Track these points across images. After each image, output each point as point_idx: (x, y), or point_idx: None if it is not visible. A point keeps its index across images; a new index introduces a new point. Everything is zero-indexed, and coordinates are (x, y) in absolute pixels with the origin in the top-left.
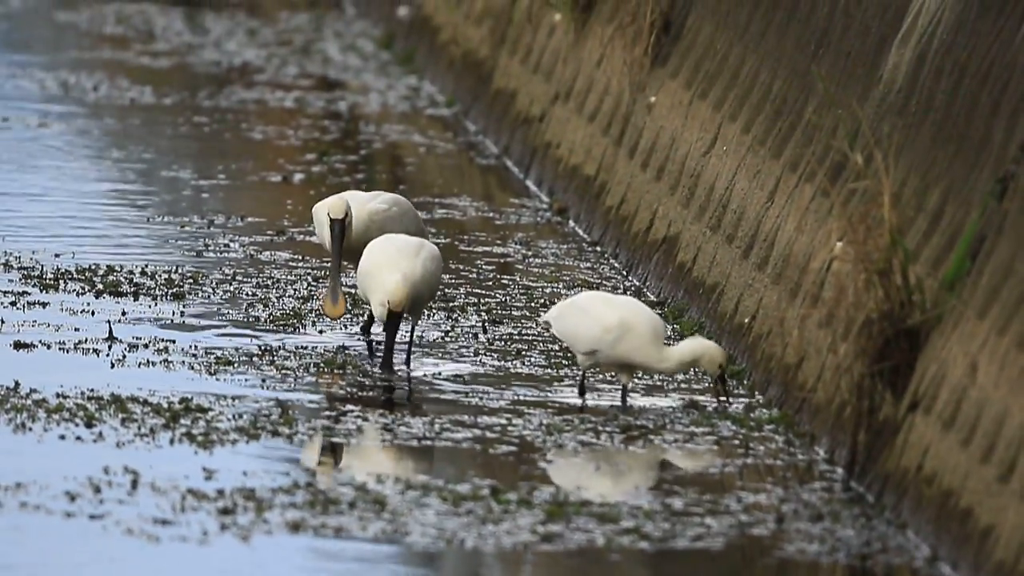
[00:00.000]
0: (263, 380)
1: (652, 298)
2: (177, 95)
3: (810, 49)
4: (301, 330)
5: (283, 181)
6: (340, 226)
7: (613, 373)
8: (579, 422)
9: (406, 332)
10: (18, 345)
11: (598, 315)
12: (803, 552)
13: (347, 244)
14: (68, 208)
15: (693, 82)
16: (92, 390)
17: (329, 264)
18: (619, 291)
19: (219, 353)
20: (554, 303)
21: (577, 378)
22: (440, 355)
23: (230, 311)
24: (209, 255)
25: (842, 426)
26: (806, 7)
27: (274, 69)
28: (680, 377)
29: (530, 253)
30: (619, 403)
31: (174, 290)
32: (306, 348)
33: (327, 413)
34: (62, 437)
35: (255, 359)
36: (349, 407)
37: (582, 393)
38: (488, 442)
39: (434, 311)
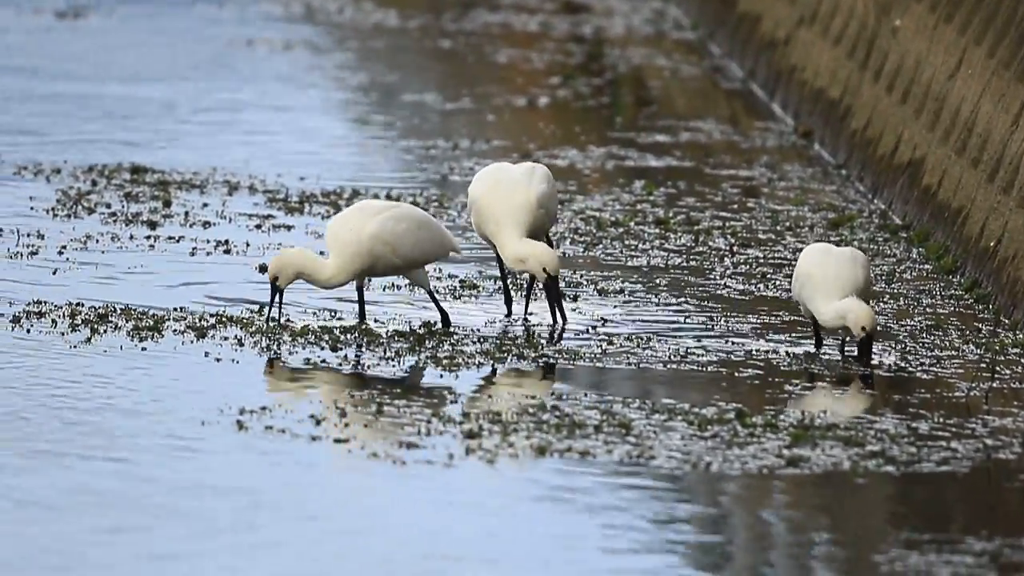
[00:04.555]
0: (508, 303)
1: (898, 221)
2: (421, 18)
3: None
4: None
5: (528, 105)
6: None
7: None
8: (824, 346)
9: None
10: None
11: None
12: None
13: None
14: (312, 131)
15: (938, 5)
16: (336, 313)
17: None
18: (864, 215)
19: (463, 276)
20: (799, 227)
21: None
22: (684, 280)
23: (474, 234)
24: (454, 178)
25: None
26: None
27: None
28: (922, 303)
29: (775, 176)
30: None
31: None
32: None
33: (572, 336)
34: (307, 360)
35: (500, 283)
36: (595, 330)
37: (819, 345)
38: (733, 365)
39: (679, 235)
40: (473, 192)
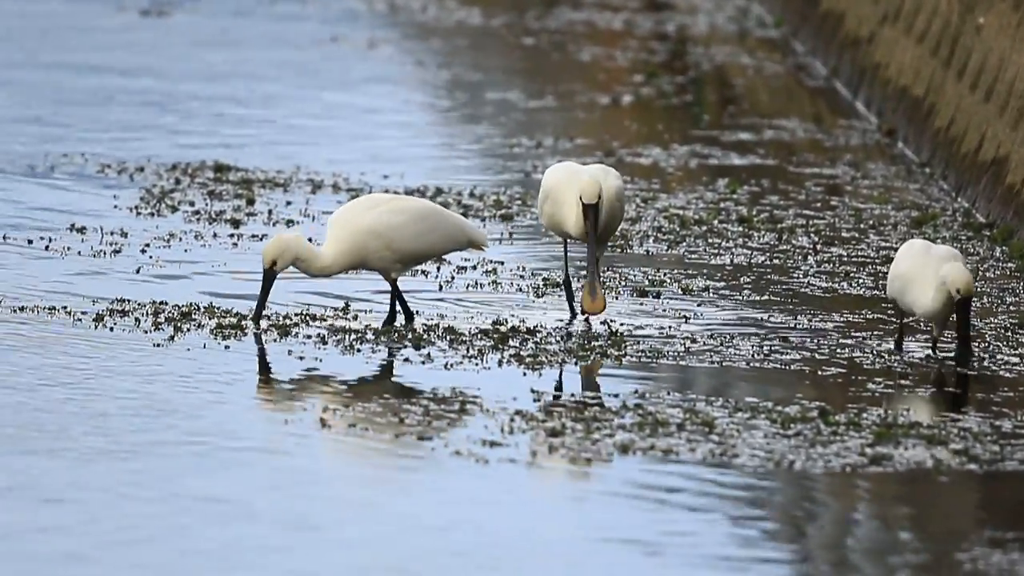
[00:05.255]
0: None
1: (981, 220)
2: (505, 16)
3: None
4: (628, 250)
5: (612, 103)
6: (595, 210)
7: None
8: (906, 345)
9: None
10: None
11: (896, 262)
12: None
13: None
14: (395, 129)
15: (1022, 3)
16: (419, 312)
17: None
18: (947, 213)
19: (546, 275)
20: (883, 225)
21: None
22: (767, 278)
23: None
24: (537, 176)
25: None
26: None
27: None
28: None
29: (859, 174)
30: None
31: (502, 211)
32: (628, 269)
33: (653, 335)
34: (391, 358)
35: (580, 281)
36: (676, 330)
37: (899, 346)
38: (816, 364)
39: (762, 233)
40: (548, 183)
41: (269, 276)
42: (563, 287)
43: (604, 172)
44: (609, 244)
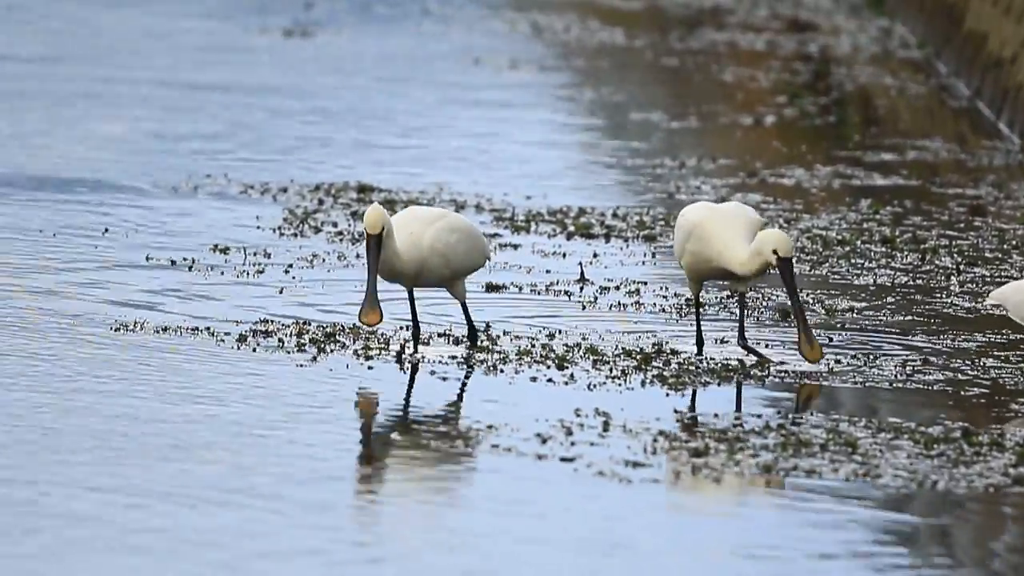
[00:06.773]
0: (732, 324)
1: None
2: (648, 37)
3: None
4: (771, 271)
5: (754, 123)
6: (791, 265)
7: None
8: None
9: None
10: (490, 287)
11: None
12: None
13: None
14: (538, 149)
15: None
16: (562, 332)
17: None
18: None
19: (689, 296)
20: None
21: None
22: (911, 298)
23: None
24: (680, 197)
25: None
26: None
27: (745, 11)
28: None
29: (1002, 195)
30: None
31: (645, 232)
32: (771, 289)
33: (796, 355)
34: (533, 379)
35: (726, 303)
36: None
37: None
38: (960, 384)
39: (905, 253)
40: (691, 219)
41: (376, 244)
42: (696, 343)
43: (740, 205)
44: None
